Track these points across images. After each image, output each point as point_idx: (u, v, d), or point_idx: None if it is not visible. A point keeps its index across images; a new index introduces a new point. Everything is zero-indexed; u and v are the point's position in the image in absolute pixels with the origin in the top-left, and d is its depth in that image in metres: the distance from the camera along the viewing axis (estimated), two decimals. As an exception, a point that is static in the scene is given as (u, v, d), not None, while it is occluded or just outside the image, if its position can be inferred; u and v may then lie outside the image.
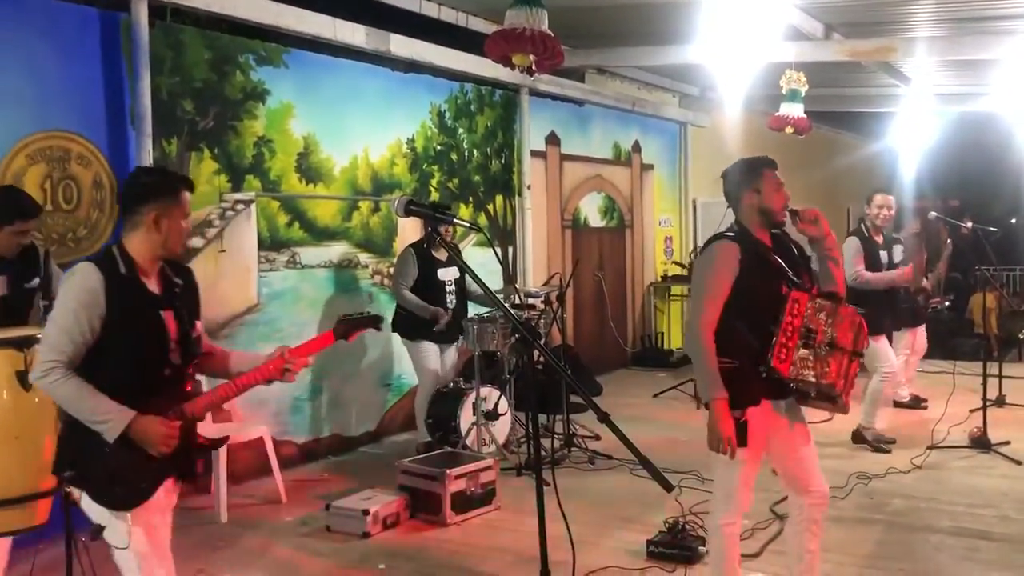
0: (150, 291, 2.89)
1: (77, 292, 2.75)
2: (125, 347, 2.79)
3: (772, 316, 3.35)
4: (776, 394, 3.47)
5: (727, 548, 3.59)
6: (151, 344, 2.85)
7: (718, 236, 3.56)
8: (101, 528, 2.81)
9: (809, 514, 3.59)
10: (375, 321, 3.17)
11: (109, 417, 2.73)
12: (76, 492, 2.81)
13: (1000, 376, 7.58)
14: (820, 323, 3.36)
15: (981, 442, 6.47)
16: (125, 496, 2.81)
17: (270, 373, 2.95)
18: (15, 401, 3.35)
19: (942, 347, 9.17)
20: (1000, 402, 7.54)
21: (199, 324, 3.06)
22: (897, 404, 7.74)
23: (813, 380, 3.35)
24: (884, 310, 6.46)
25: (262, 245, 6.29)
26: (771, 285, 3.42)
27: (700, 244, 11.67)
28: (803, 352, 3.34)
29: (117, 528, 2.80)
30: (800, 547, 3.63)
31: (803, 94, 8.20)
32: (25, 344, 3.38)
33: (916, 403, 7.76)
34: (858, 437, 6.64)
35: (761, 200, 3.52)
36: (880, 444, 6.55)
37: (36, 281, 4.11)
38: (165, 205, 2.86)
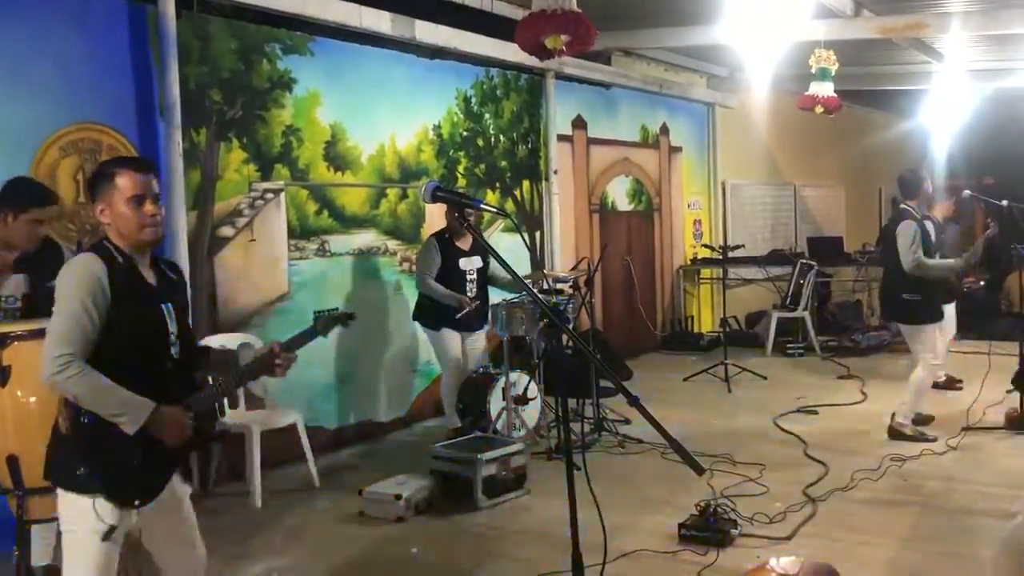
0: (149, 283, 2.83)
1: (81, 280, 2.66)
2: (126, 339, 2.72)
3: None
4: None
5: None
6: (152, 337, 2.79)
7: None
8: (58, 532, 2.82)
9: None
10: (346, 318, 3.21)
11: (129, 409, 2.67)
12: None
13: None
14: None
15: (1017, 423, 6.38)
16: (130, 490, 2.74)
17: (262, 368, 2.93)
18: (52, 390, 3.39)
19: (977, 327, 9.04)
20: (1037, 382, 7.42)
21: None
22: (932, 385, 7.65)
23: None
24: (938, 296, 6.30)
25: (292, 234, 6.33)
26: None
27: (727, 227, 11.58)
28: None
29: (94, 527, 2.71)
30: None
31: (833, 73, 8.09)
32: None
33: (952, 384, 7.68)
34: (895, 433, 6.29)
35: None
36: (922, 434, 6.26)
37: None
38: (104, 194, 2.76)
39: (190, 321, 3.02)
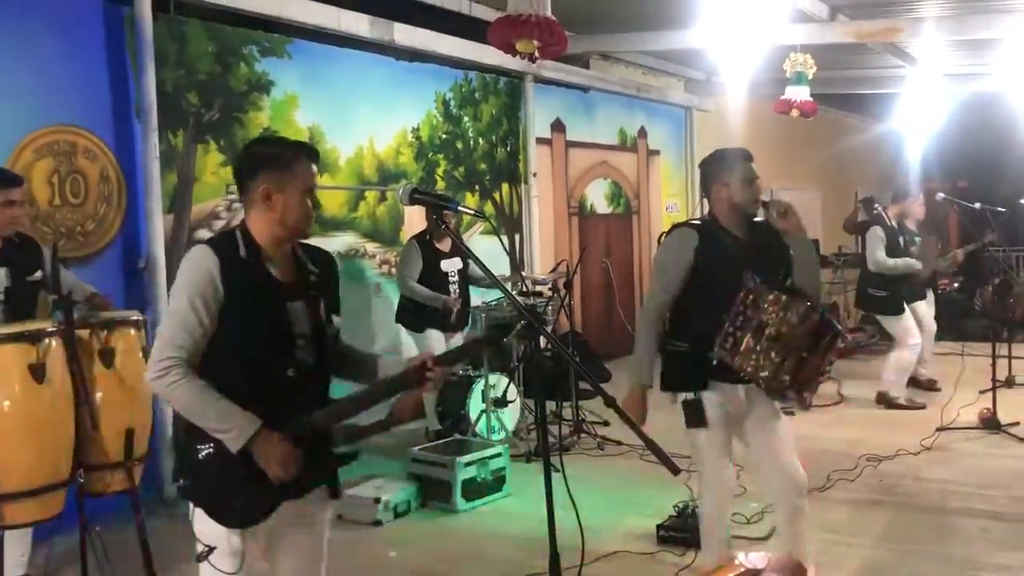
0: (274, 279, 2.50)
1: (191, 278, 2.38)
2: (240, 343, 2.42)
3: (726, 305, 3.37)
4: (729, 378, 3.46)
5: (718, 530, 3.71)
6: (272, 340, 2.46)
7: (683, 223, 3.70)
8: (210, 549, 2.44)
9: (784, 499, 3.61)
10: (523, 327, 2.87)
11: (233, 426, 2.36)
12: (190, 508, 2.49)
13: (1010, 357, 7.54)
14: (771, 316, 3.30)
15: (991, 423, 6.47)
16: (242, 512, 2.45)
17: (409, 381, 2.62)
18: (29, 395, 3.34)
19: (952, 328, 9.14)
20: (1010, 383, 7.52)
21: (336, 319, 2.67)
22: (914, 382, 7.75)
23: (750, 370, 3.31)
24: (902, 287, 7.14)
25: (269, 236, 6.29)
26: (729, 275, 3.42)
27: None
28: (750, 343, 3.31)
29: (230, 550, 2.46)
30: (782, 529, 3.73)
31: (809, 77, 8.16)
32: (36, 338, 3.38)
33: (931, 385, 7.74)
34: (883, 399, 7.22)
35: (730, 193, 3.57)
36: (913, 401, 7.18)
37: (39, 275, 4.06)
38: (277, 177, 2.47)
39: (336, 319, 2.68)
